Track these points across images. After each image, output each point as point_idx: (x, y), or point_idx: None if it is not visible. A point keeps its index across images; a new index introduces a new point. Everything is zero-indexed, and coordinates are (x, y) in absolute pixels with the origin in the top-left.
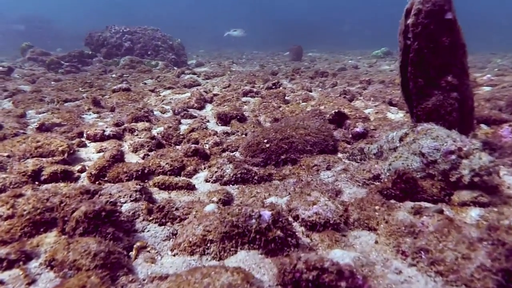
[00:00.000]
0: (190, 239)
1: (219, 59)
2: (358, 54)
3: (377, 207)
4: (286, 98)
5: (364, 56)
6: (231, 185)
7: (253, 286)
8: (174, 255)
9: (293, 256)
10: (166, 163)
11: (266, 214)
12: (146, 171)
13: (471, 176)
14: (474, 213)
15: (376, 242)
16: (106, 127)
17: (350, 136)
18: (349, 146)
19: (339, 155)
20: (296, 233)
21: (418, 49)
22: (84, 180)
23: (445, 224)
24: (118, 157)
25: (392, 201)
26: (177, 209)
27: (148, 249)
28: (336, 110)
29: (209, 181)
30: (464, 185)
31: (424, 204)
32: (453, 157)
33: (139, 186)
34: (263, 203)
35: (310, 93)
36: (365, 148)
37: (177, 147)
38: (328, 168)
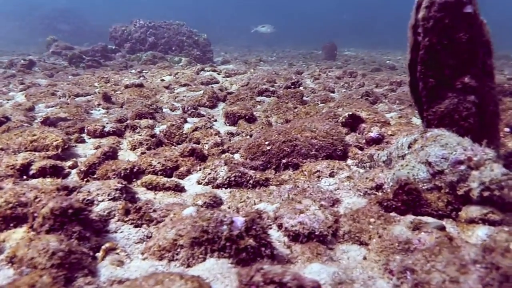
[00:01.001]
0: (160, 243)
1: (247, 57)
2: (399, 54)
3: (372, 220)
4: (304, 98)
5: (405, 56)
6: (224, 189)
7: None
8: (144, 259)
9: (253, 267)
10: (158, 163)
11: (239, 220)
12: (135, 169)
13: (480, 190)
14: (481, 232)
15: (365, 258)
16: (107, 123)
17: (364, 141)
18: (361, 152)
19: (349, 161)
20: (273, 243)
21: (429, 46)
22: (74, 177)
23: (440, 243)
24: (110, 155)
25: (393, 214)
26: (154, 210)
27: (118, 251)
28: (350, 113)
29: (201, 183)
30: (475, 200)
31: (428, 219)
32: (462, 167)
33: (120, 185)
34: (251, 209)
35: (332, 94)
36: (375, 154)
37: (178, 146)
38: (331, 175)
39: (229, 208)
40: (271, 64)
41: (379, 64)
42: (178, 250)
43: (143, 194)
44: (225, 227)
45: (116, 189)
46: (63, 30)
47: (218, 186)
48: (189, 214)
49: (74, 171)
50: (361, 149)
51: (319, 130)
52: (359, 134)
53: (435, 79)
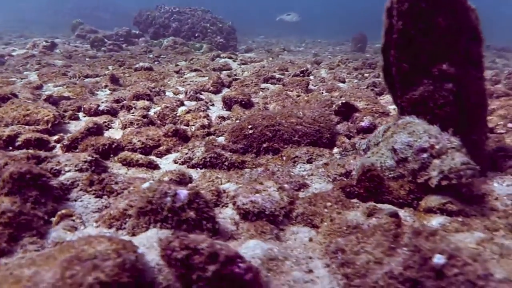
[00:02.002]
0: (112, 212)
1: (273, 46)
2: None
3: (329, 204)
4: (310, 87)
5: None
6: (198, 169)
7: (121, 257)
8: (97, 227)
9: (175, 234)
10: (138, 141)
11: (183, 193)
12: (114, 146)
13: (439, 178)
14: (435, 221)
15: (311, 239)
16: (102, 102)
17: (355, 130)
18: (348, 141)
19: (335, 149)
20: (218, 218)
21: (403, 30)
22: (58, 150)
23: (377, 226)
24: (93, 131)
25: (354, 200)
26: (116, 183)
27: (74, 218)
28: (344, 101)
29: (177, 163)
30: (436, 189)
31: (388, 207)
32: (425, 155)
33: (90, 158)
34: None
35: (340, 84)
36: (357, 143)
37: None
38: (309, 161)
39: (196, 186)
40: (295, 54)
41: None
42: (127, 219)
43: (117, 169)
44: (168, 199)
45: (85, 161)
46: (104, 18)
47: (193, 166)
48: (146, 188)
49: (59, 145)
50: (349, 138)
51: (306, 116)
52: (351, 123)
53: (409, 65)
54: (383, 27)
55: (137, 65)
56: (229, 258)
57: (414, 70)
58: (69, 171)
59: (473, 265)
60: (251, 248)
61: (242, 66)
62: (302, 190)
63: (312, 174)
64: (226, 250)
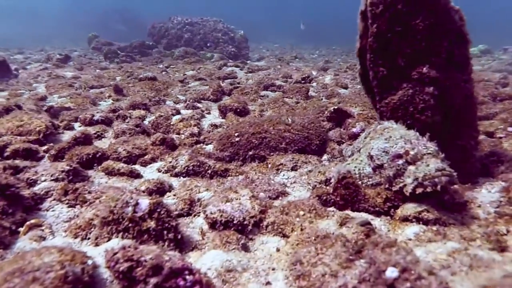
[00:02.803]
0: (78, 222)
1: (286, 54)
2: None
3: (301, 213)
4: (311, 93)
5: None
6: (181, 177)
7: (63, 269)
8: (65, 237)
9: (121, 245)
10: (124, 150)
11: (144, 203)
12: (98, 155)
13: (413, 186)
14: (410, 231)
15: (278, 250)
16: (97, 112)
17: (347, 136)
18: (338, 147)
19: (324, 156)
20: (187, 228)
21: (377, 33)
22: (46, 160)
23: (337, 236)
24: (80, 140)
25: (331, 208)
26: (89, 192)
27: (43, 227)
28: (335, 107)
29: (161, 171)
30: (415, 196)
31: (364, 215)
32: (400, 162)
33: (67, 167)
34: (191, 198)
35: (342, 90)
36: (344, 149)
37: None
38: (293, 169)
39: (174, 195)
40: (307, 61)
41: None
42: (92, 229)
43: (100, 178)
44: (129, 208)
45: (62, 171)
46: (120, 30)
47: (176, 175)
48: (110, 197)
49: (48, 154)
50: (340, 144)
51: (295, 123)
52: (344, 129)
53: (386, 69)
54: (358, 30)
55: (141, 75)
56: (174, 271)
57: (392, 74)
58: (44, 180)
59: (427, 279)
60: (210, 259)
61: (248, 74)
62: (280, 198)
63: (295, 182)
64: (172, 262)
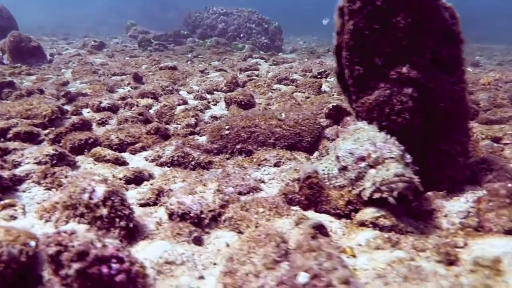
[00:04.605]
0: (45, 205)
1: (322, 47)
2: (498, 49)
3: (261, 210)
4: (324, 89)
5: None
6: (166, 167)
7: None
8: (35, 218)
9: (58, 230)
10: (116, 137)
11: (100, 190)
12: (90, 141)
13: (371, 190)
14: (362, 236)
15: (227, 245)
16: (104, 99)
17: None
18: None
19: (315, 154)
20: (135, 217)
21: (354, 31)
22: (46, 143)
23: (272, 235)
24: (78, 126)
25: (296, 208)
26: (66, 177)
27: (16, 208)
28: (334, 104)
29: (147, 160)
30: (376, 201)
31: (324, 217)
32: (363, 164)
33: (53, 151)
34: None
35: None
36: (329, 147)
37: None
38: (276, 165)
39: (151, 184)
40: None
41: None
42: (55, 212)
43: (86, 164)
44: (86, 195)
45: (47, 155)
46: (169, 19)
47: (161, 164)
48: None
49: (47, 138)
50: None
51: (288, 119)
52: (341, 127)
53: (363, 67)
54: (335, 26)
55: (161, 64)
56: (99, 258)
57: (369, 73)
58: (28, 163)
59: (337, 287)
60: (153, 250)
61: (272, 67)
62: (251, 193)
63: (273, 178)
64: (100, 249)
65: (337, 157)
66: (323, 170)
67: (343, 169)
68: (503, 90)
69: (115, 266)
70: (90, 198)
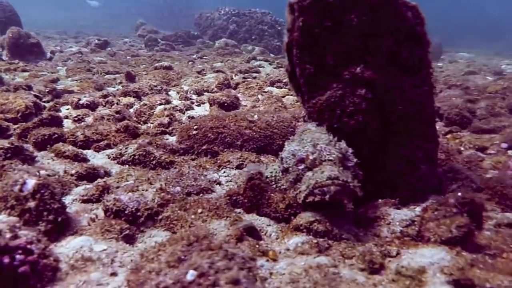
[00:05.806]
0: None
1: None
2: None
3: (199, 211)
4: None
5: None
6: (127, 165)
7: None
8: None
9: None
10: (82, 134)
11: (30, 183)
12: (54, 137)
13: (306, 193)
14: (293, 241)
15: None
16: (84, 97)
17: None
18: None
19: None
20: (70, 212)
21: (304, 28)
22: (13, 138)
23: (197, 236)
24: (46, 122)
25: (239, 210)
26: (14, 170)
27: None
28: None
29: (110, 158)
30: (315, 205)
31: (262, 220)
32: (301, 166)
33: (7, 145)
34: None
35: None
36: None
37: (145, 125)
38: (238, 167)
39: (104, 182)
40: None
41: (489, 68)
42: None
43: (45, 160)
44: (17, 187)
45: (1, 148)
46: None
47: (123, 162)
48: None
49: (14, 133)
50: None
51: (260, 121)
52: None
53: (314, 66)
54: (287, 23)
55: (156, 64)
56: (1, 248)
57: (321, 73)
58: None
59: (223, 287)
60: (74, 245)
61: (276, 70)
62: (201, 194)
63: (230, 180)
64: (6, 240)
65: (281, 159)
66: (271, 172)
67: (285, 171)
68: (508, 99)
69: (18, 257)
70: (20, 191)
